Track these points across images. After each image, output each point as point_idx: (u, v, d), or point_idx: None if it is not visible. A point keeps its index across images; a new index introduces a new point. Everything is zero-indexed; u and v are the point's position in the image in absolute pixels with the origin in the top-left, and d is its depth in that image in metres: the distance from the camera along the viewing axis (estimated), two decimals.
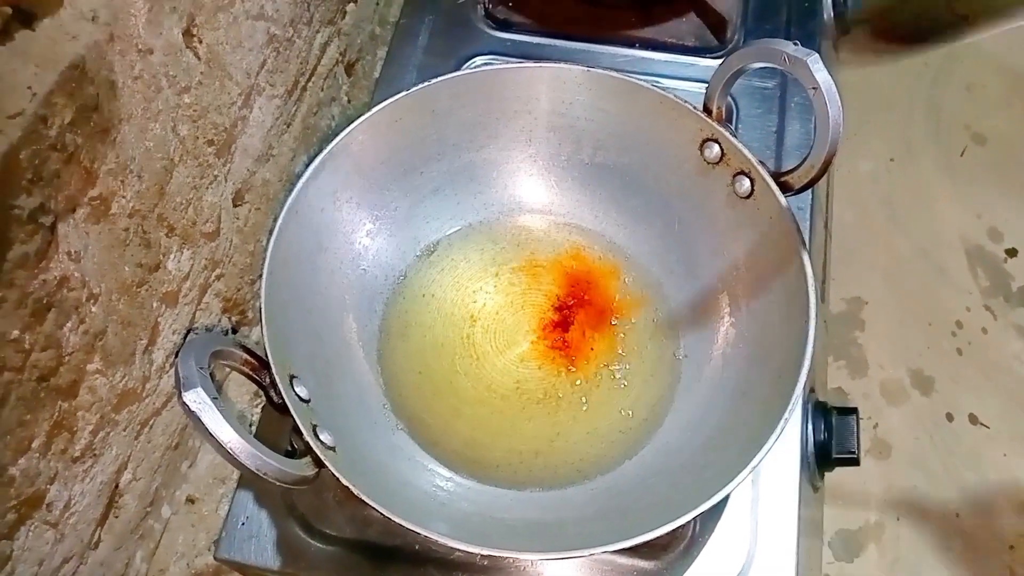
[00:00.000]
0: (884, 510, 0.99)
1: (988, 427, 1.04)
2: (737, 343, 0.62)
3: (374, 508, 0.48)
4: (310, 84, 0.79)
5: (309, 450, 0.50)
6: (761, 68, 0.60)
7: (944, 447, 1.03)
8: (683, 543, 0.60)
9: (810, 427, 0.66)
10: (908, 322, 1.13)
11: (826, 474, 0.69)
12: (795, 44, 0.56)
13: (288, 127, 0.75)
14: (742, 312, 0.63)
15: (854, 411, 0.67)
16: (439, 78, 0.65)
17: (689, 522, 0.52)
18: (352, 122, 0.63)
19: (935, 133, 1.29)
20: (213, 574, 0.68)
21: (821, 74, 0.54)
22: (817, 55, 0.54)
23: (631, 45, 0.84)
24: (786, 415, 0.51)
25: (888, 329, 1.13)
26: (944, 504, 0.99)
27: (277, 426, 0.55)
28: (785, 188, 0.59)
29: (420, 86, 0.64)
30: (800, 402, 0.52)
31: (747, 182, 0.61)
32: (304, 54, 0.76)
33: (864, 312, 1.15)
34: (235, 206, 0.68)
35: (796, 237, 0.58)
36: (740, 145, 0.61)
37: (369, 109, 0.64)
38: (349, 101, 0.90)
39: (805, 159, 0.58)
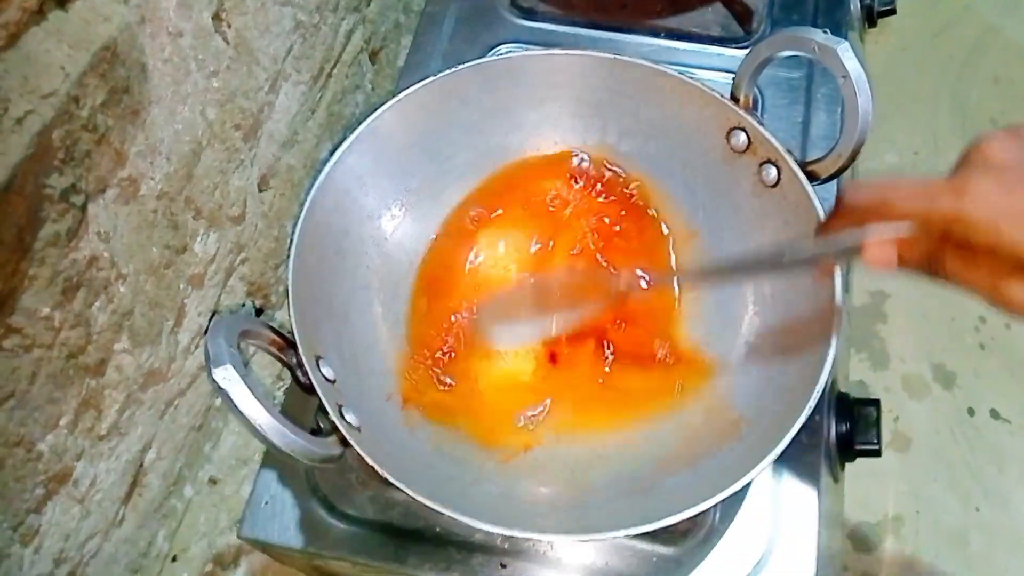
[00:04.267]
0: (903, 503, 0.98)
1: (1010, 422, 1.03)
2: (761, 332, 0.62)
3: (399, 487, 0.48)
4: (335, 71, 0.79)
5: (335, 429, 0.50)
6: (788, 58, 0.60)
7: (965, 441, 1.02)
8: (703, 530, 0.60)
9: (832, 418, 0.66)
10: (931, 316, 1.12)
11: (846, 465, 0.69)
12: (825, 32, 0.55)
13: (313, 113, 0.76)
14: (767, 301, 0.62)
15: (876, 402, 0.67)
16: (466, 64, 0.65)
17: (710, 509, 0.52)
18: (378, 108, 0.64)
19: (961, 126, 1.27)
20: (234, 554, 0.68)
21: (851, 62, 0.54)
22: (847, 43, 0.54)
23: (656, 34, 0.84)
24: (810, 404, 0.51)
25: (911, 323, 1.11)
26: (964, 498, 0.98)
27: (302, 407, 0.56)
28: (811, 177, 0.59)
29: (447, 72, 0.64)
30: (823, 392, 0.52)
31: (774, 171, 0.61)
32: (329, 41, 0.76)
33: (887, 305, 1.13)
34: (260, 191, 0.69)
35: None
36: (767, 134, 0.61)
37: (395, 95, 0.64)
38: (373, 89, 0.90)
39: (833, 148, 0.58)
